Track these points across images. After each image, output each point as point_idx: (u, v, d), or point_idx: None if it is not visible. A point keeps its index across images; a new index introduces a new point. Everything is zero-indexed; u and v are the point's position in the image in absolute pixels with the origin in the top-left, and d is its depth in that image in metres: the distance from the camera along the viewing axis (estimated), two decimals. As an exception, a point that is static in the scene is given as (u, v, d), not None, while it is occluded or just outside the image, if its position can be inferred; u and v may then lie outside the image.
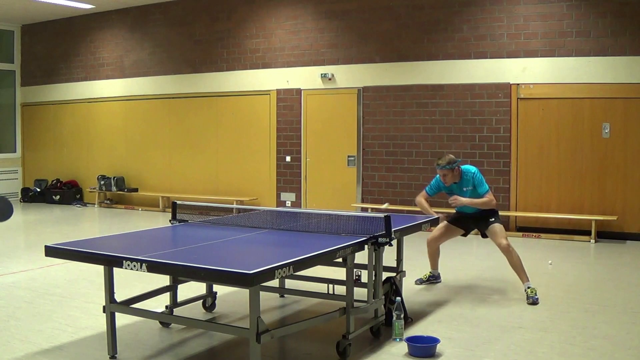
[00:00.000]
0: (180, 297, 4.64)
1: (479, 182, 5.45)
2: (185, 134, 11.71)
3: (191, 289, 4.89)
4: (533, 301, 5.20)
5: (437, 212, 5.62)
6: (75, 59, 12.99)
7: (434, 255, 5.93)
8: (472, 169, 5.56)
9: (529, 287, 5.31)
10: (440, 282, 5.97)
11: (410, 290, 5.44)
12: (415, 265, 6.45)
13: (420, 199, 5.70)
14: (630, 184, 8.39)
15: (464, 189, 5.49)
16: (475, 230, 5.76)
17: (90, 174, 12.77)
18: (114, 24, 12.39)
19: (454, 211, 5.88)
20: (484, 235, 5.64)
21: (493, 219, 5.51)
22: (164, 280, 4.59)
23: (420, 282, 5.93)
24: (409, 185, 9.63)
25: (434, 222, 5.29)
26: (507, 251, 5.37)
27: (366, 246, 4.08)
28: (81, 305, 5.13)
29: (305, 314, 4.93)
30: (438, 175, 5.60)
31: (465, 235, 5.85)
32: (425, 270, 6.02)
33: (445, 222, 5.80)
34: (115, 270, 3.70)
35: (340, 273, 4.54)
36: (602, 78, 8.39)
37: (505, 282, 6.10)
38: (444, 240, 5.86)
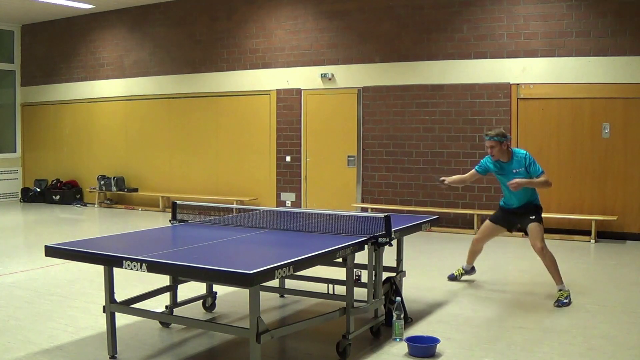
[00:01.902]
0: (180, 297, 4.64)
1: (531, 164, 5.33)
2: (186, 134, 11.71)
3: (191, 289, 4.90)
4: (559, 304, 5.12)
5: (437, 213, 5.63)
6: (75, 59, 12.99)
7: (475, 253, 5.98)
8: (524, 151, 5.47)
9: (560, 290, 5.25)
10: (475, 272, 6.05)
11: (410, 290, 5.43)
12: (415, 265, 6.46)
13: (465, 175, 5.83)
14: (630, 184, 8.39)
15: (514, 171, 5.37)
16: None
17: (90, 174, 12.77)
18: (114, 24, 12.39)
19: (498, 208, 5.86)
20: (526, 233, 5.56)
21: (534, 217, 5.41)
22: (164, 280, 4.59)
23: (453, 277, 6.02)
24: (409, 185, 9.64)
25: (434, 222, 5.29)
26: (541, 253, 5.32)
27: (366, 246, 4.08)
28: (81, 305, 5.13)
29: (305, 314, 4.93)
30: (486, 157, 5.59)
31: (509, 231, 5.81)
32: (426, 269, 6.05)
33: (488, 221, 5.84)
34: (115, 270, 3.70)
35: (340, 273, 4.54)
36: (602, 78, 8.39)
37: (505, 282, 6.11)
38: (488, 239, 5.91)
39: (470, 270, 6.06)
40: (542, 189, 5.49)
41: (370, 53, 9.88)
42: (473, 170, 5.74)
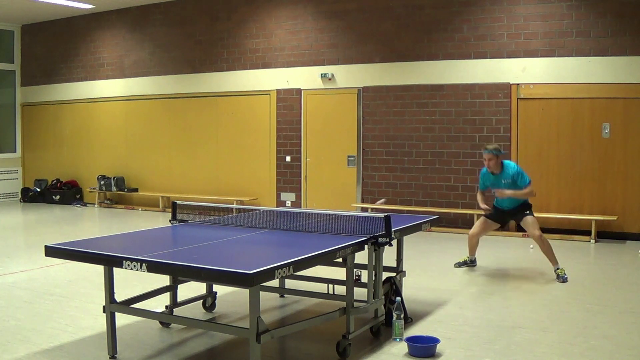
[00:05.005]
0: (180, 297, 4.65)
1: (519, 176, 6.09)
2: (186, 134, 11.72)
3: (191, 289, 4.90)
4: (563, 280, 5.92)
5: (437, 213, 5.66)
6: (75, 59, 12.99)
7: (473, 247, 6.62)
8: (513, 164, 6.32)
9: (558, 269, 6.04)
10: (475, 265, 6.65)
11: (410, 290, 5.44)
12: (415, 265, 6.46)
13: (479, 194, 6.55)
14: (630, 184, 8.39)
15: (503, 181, 6.15)
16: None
17: (90, 174, 12.77)
18: (114, 24, 12.39)
19: (492, 207, 6.51)
20: (518, 226, 6.62)
21: (528, 212, 6.21)
22: (164, 280, 4.59)
23: (459, 265, 6.64)
24: (409, 185, 9.64)
25: (434, 222, 5.29)
26: (540, 240, 6.09)
27: (366, 246, 4.08)
28: (81, 305, 5.14)
29: (305, 314, 4.93)
30: (481, 172, 6.40)
31: (502, 227, 6.64)
32: (426, 269, 6.12)
33: (483, 217, 6.52)
34: (115, 270, 3.71)
35: (340, 273, 4.54)
36: (602, 78, 8.39)
37: (505, 282, 6.11)
38: (483, 234, 6.62)
39: (474, 261, 6.68)
40: (525, 197, 6.21)
41: (370, 53, 9.88)
42: (479, 191, 6.57)
